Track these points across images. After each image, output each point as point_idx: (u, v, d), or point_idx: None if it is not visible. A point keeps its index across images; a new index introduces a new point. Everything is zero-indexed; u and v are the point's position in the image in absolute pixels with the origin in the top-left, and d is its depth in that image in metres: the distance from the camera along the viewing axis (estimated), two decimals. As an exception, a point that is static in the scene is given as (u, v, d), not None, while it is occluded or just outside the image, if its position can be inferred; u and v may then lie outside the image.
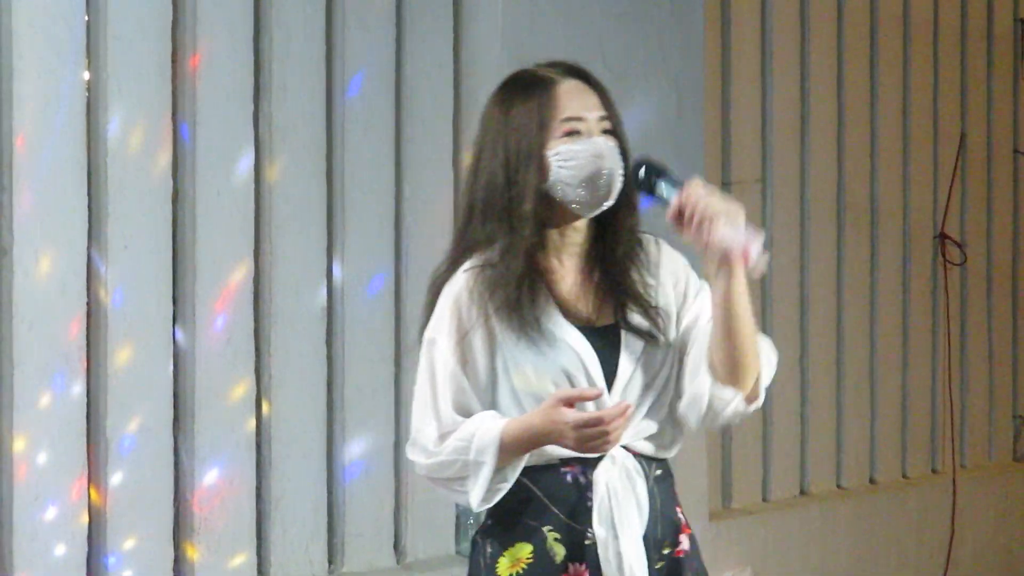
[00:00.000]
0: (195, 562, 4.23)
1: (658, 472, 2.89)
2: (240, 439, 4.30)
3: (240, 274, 4.30)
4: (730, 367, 2.81)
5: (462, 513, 4.74)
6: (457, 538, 4.76)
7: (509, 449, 2.76)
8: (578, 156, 2.79)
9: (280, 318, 4.39)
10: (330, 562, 4.55)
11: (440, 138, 4.71)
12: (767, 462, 5.95)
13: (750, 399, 2.87)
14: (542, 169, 2.80)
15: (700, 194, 2.75)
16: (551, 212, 2.83)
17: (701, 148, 5.29)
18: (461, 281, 2.82)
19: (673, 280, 2.91)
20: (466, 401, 2.81)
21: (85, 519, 4.03)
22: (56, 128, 3.97)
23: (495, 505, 2.84)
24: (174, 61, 4.19)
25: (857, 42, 6.29)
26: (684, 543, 2.91)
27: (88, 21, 4.05)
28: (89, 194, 4.04)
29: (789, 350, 5.99)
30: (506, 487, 2.78)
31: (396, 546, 4.67)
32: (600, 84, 2.88)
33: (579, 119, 2.82)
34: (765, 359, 2.89)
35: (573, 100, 2.82)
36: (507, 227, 2.80)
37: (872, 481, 6.41)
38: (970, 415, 6.87)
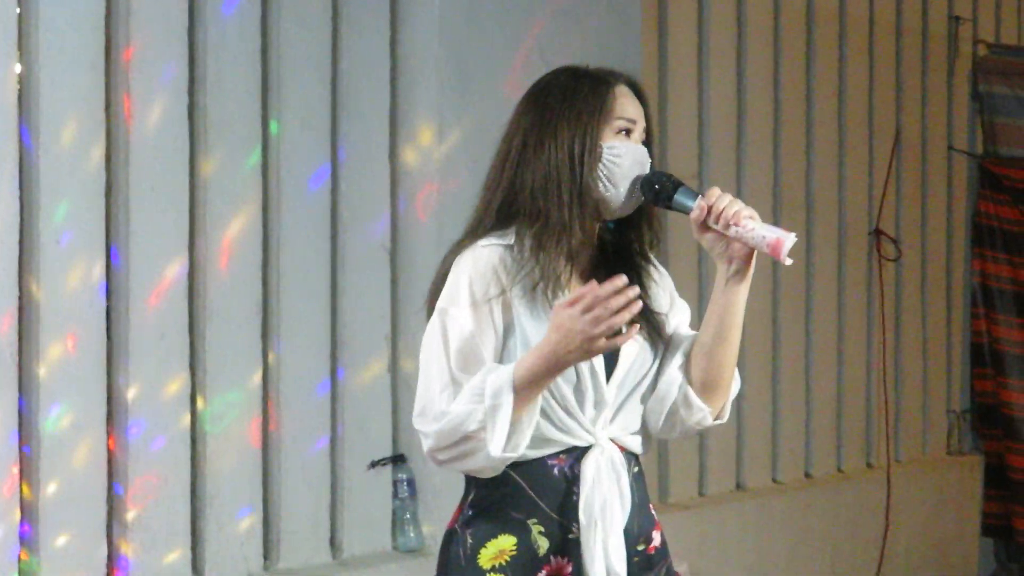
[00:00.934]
0: (129, 559, 4.20)
1: (636, 469, 2.93)
2: (174, 435, 4.28)
3: (174, 269, 4.28)
4: (708, 379, 2.91)
5: (399, 508, 4.74)
6: (394, 533, 4.75)
7: (523, 385, 2.73)
8: (626, 156, 2.87)
9: (215, 313, 4.37)
10: (266, 559, 4.53)
11: (376, 134, 4.70)
12: (703, 457, 5.98)
13: (717, 417, 2.96)
14: (598, 159, 2.87)
15: (727, 196, 2.84)
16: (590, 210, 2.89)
17: (638, 144, 5.29)
18: (481, 255, 2.84)
19: (663, 285, 3.01)
20: (477, 371, 2.79)
21: (17, 516, 4.00)
22: (-13, 121, 3.93)
23: (478, 496, 2.85)
24: (107, 54, 4.16)
25: (793, 38, 6.32)
26: (656, 539, 2.95)
27: (20, 13, 4.02)
28: (21, 187, 4.01)
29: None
30: (527, 433, 2.76)
31: (332, 542, 4.66)
32: (647, 99, 2.97)
33: (632, 121, 2.91)
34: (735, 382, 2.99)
35: (630, 104, 2.92)
36: (565, 210, 2.83)
37: (807, 476, 6.45)
38: (904, 410, 6.92)
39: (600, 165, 2.86)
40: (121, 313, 4.20)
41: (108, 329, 4.18)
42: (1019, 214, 7.18)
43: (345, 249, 4.64)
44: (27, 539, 4.05)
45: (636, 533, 2.90)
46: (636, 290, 2.70)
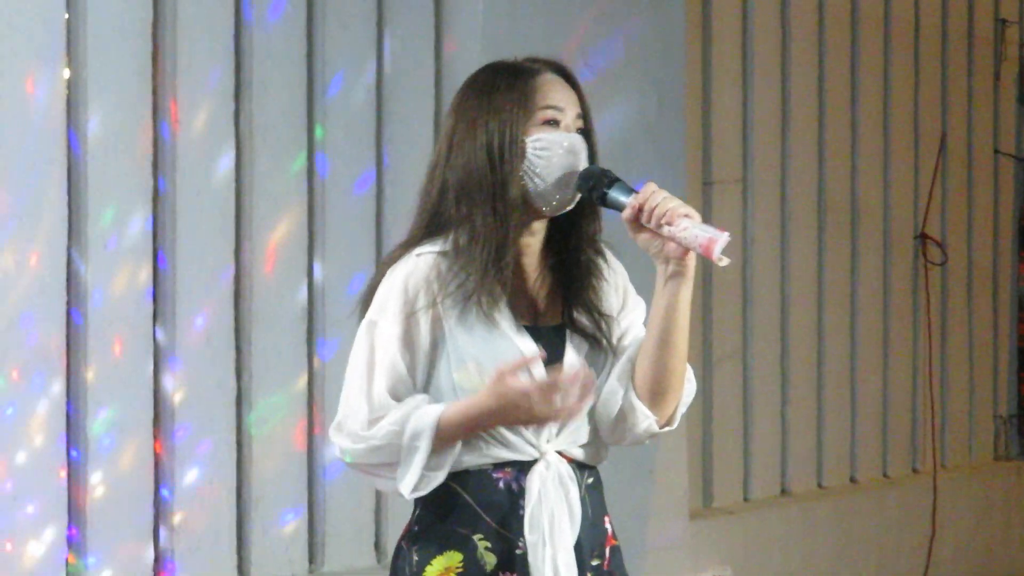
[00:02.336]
0: (175, 562, 4.22)
1: (590, 480, 2.82)
2: (220, 438, 4.30)
3: (221, 273, 4.30)
4: (654, 384, 2.77)
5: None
6: (438, 538, 4.75)
7: (447, 434, 2.67)
8: (553, 145, 2.74)
9: (261, 317, 4.39)
10: (310, 561, 4.54)
11: (420, 138, 4.71)
12: (748, 461, 5.96)
13: (664, 424, 2.82)
14: (522, 154, 2.74)
15: (660, 194, 2.70)
16: (519, 210, 2.76)
17: (682, 148, 5.29)
18: (412, 265, 2.74)
19: (615, 287, 2.86)
20: (402, 389, 2.72)
21: (65, 519, 4.02)
22: (36, 127, 3.96)
23: (424, 511, 2.78)
24: (154, 60, 4.19)
25: (838, 43, 6.30)
26: (607, 555, 2.84)
27: (68, 20, 4.04)
28: (69, 193, 4.04)
29: (770, 350, 6.00)
30: (440, 476, 2.70)
31: (376, 545, 4.67)
32: (579, 84, 2.83)
33: (559, 109, 2.76)
34: (687, 387, 2.85)
35: (555, 91, 2.77)
36: (488, 211, 2.72)
37: (853, 480, 6.43)
38: (950, 415, 6.88)
39: (525, 161, 2.73)
40: (168, 317, 4.22)
41: (155, 333, 4.21)
42: (1066, 218, 7.14)
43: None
44: (74, 542, 4.07)
45: (589, 547, 2.80)
46: (592, 377, 2.66)
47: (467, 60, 4.74)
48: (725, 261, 2.67)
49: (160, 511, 4.22)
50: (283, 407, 4.43)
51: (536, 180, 2.74)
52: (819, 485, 6.27)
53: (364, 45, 4.60)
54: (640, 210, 2.70)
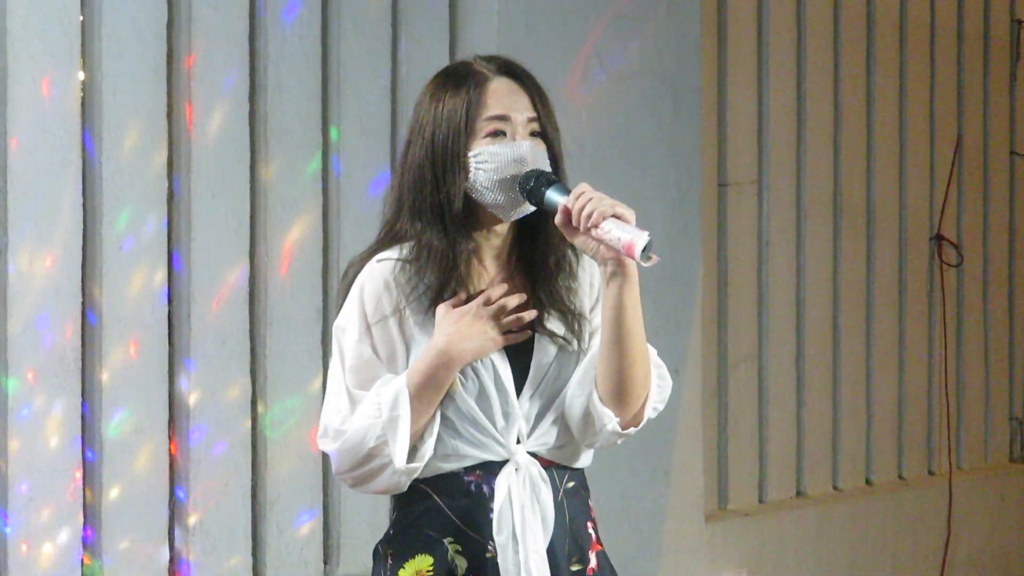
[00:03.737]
0: (190, 564, 4.23)
1: (570, 484, 2.79)
2: (235, 440, 4.30)
3: (235, 275, 4.30)
4: (613, 385, 2.73)
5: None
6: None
7: (418, 390, 2.66)
8: (496, 158, 2.72)
9: (276, 319, 4.39)
10: (325, 563, 4.55)
11: (436, 139, 4.71)
12: (763, 463, 5.95)
13: (628, 424, 2.78)
14: (464, 170, 2.72)
15: (588, 195, 2.67)
16: (475, 214, 2.76)
17: (697, 149, 5.29)
18: (376, 270, 2.74)
19: (589, 282, 2.84)
20: (375, 384, 2.71)
21: (80, 521, 4.03)
22: (51, 129, 3.97)
23: (399, 515, 2.77)
24: (169, 61, 4.19)
25: (853, 43, 6.29)
26: (593, 560, 2.81)
27: (83, 22, 4.05)
28: (84, 195, 4.04)
29: (785, 351, 5.99)
30: (430, 443, 2.68)
31: (391, 547, 4.67)
32: (535, 83, 2.78)
33: (504, 118, 2.73)
34: (657, 385, 2.80)
35: (501, 99, 2.74)
36: (438, 228, 2.72)
37: (868, 483, 6.41)
38: (966, 417, 6.87)
39: (470, 176, 2.71)
40: (183, 319, 4.22)
41: (170, 335, 4.21)
42: (1082, 219, 7.12)
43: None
44: (90, 544, 4.08)
45: (568, 552, 2.77)
46: (523, 297, 2.69)
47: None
48: (653, 260, 2.64)
49: (175, 512, 4.23)
50: (298, 409, 4.43)
51: (483, 193, 2.73)
52: (834, 487, 6.26)
53: (379, 47, 4.60)
54: (570, 213, 2.68)
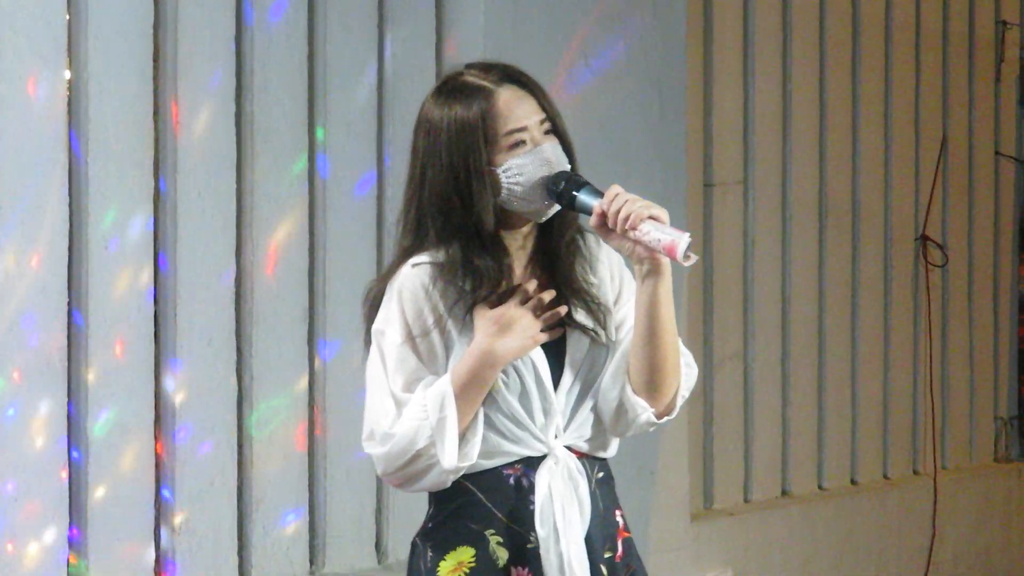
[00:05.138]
0: (176, 563, 4.22)
1: (600, 474, 2.86)
2: (221, 440, 4.30)
3: (222, 275, 4.30)
4: (647, 377, 2.80)
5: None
6: (439, 539, 4.76)
7: (463, 390, 2.70)
8: (525, 169, 2.76)
9: (262, 319, 4.39)
10: (311, 563, 4.55)
11: (422, 139, 4.71)
12: (749, 463, 5.96)
13: (663, 414, 2.85)
14: (495, 186, 2.77)
15: (623, 197, 2.73)
16: (501, 219, 2.80)
17: (683, 150, 5.30)
18: (411, 275, 2.78)
19: (609, 274, 2.89)
20: (418, 387, 2.76)
21: (66, 520, 4.03)
22: (37, 128, 3.96)
23: (437, 509, 2.82)
24: (155, 61, 4.19)
25: (839, 44, 6.30)
26: (620, 547, 2.88)
27: (69, 21, 4.05)
28: (70, 194, 4.04)
29: (770, 351, 6.01)
30: (477, 442, 2.73)
31: (377, 546, 4.67)
32: (535, 84, 2.83)
33: (523, 129, 2.77)
34: (684, 373, 2.87)
35: (514, 110, 2.77)
36: (476, 247, 2.76)
37: (853, 482, 6.43)
38: (951, 417, 6.89)
39: (502, 190, 2.76)
40: (169, 318, 4.22)
41: (156, 334, 4.21)
42: (1067, 220, 7.15)
43: (391, 255, 4.65)
44: (75, 543, 4.08)
45: (600, 540, 2.83)
46: (553, 293, 2.73)
47: (469, 61, 4.73)
48: (692, 260, 2.69)
49: (161, 512, 4.23)
50: (284, 408, 4.43)
51: (521, 204, 2.78)
52: (820, 487, 6.27)
53: (365, 46, 4.60)
54: (605, 215, 2.73)
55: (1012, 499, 7.11)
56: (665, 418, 2.86)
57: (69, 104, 4.05)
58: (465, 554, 2.78)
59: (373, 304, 2.83)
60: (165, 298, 4.23)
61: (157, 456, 4.21)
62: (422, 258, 2.79)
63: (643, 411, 2.81)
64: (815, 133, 6.21)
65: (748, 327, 5.90)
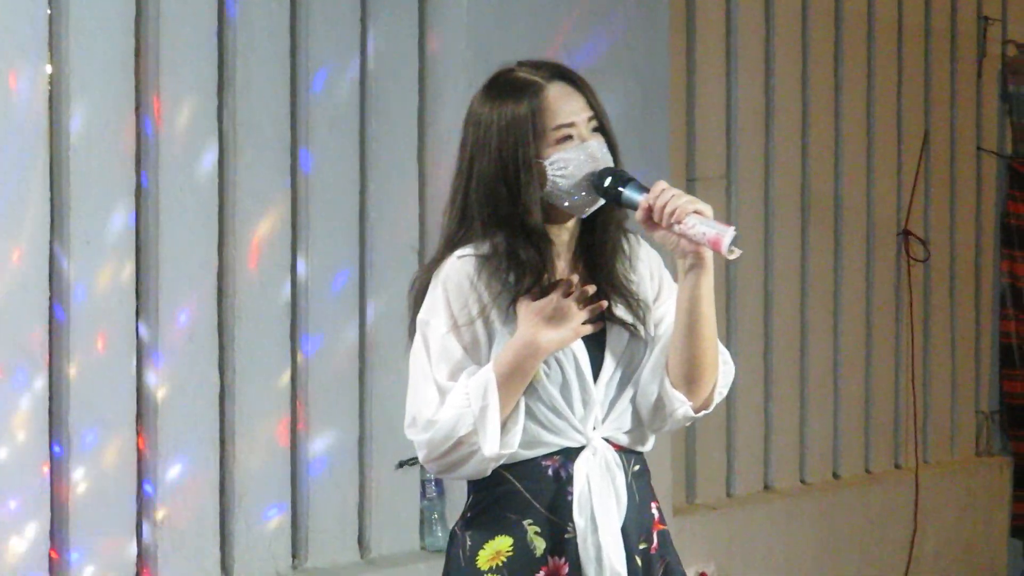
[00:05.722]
0: (158, 558, 4.22)
1: (636, 467, 2.92)
2: (203, 435, 4.30)
3: (204, 269, 4.30)
4: (687, 372, 2.86)
5: (426, 508, 4.75)
6: (422, 533, 4.77)
7: (505, 379, 2.76)
8: (571, 163, 2.83)
9: (244, 313, 4.39)
10: (294, 557, 4.55)
11: (405, 134, 4.71)
12: (731, 457, 5.97)
13: (700, 408, 2.92)
14: (541, 178, 2.83)
15: (669, 192, 2.80)
16: (546, 214, 2.87)
17: (666, 144, 5.30)
18: (457, 266, 2.84)
19: (649, 273, 2.96)
20: (461, 376, 2.81)
21: (47, 515, 4.02)
22: (18, 123, 3.95)
23: (476, 498, 2.87)
24: (137, 55, 4.18)
25: (822, 40, 6.31)
26: (655, 539, 2.94)
27: (50, 15, 4.04)
28: (52, 189, 4.03)
29: (753, 346, 6.01)
30: (517, 431, 2.78)
31: (360, 541, 4.67)
32: (584, 83, 2.91)
33: (571, 124, 2.85)
34: (722, 370, 2.94)
35: (564, 106, 2.85)
36: (521, 238, 2.82)
37: (835, 476, 6.44)
38: (933, 411, 6.90)
39: (548, 183, 2.83)
40: (151, 313, 4.22)
41: (138, 329, 4.20)
42: (1048, 215, 7.16)
43: (373, 250, 4.66)
44: (57, 538, 4.07)
45: (636, 532, 2.89)
46: (595, 287, 2.79)
47: (451, 57, 4.74)
48: (736, 254, 2.79)
49: (143, 507, 4.22)
50: (267, 403, 4.43)
51: (564, 197, 2.85)
52: (802, 481, 6.28)
53: (348, 41, 4.59)
54: (651, 210, 2.79)
55: (993, 493, 7.13)
56: (702, 412, 2.93)
57: (50, 99, 4.04)
58: (503, 543, 2.83)
59: (418, 294, 2.88)
60: (147, 293, 4.22)
61: (139, 451, 4.21)
62: (467, 250, 2.85)
63: (681, 405, 2.88)
64: (798, 128, 6.21)
65: (730, 322, 5.91)
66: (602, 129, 2.89)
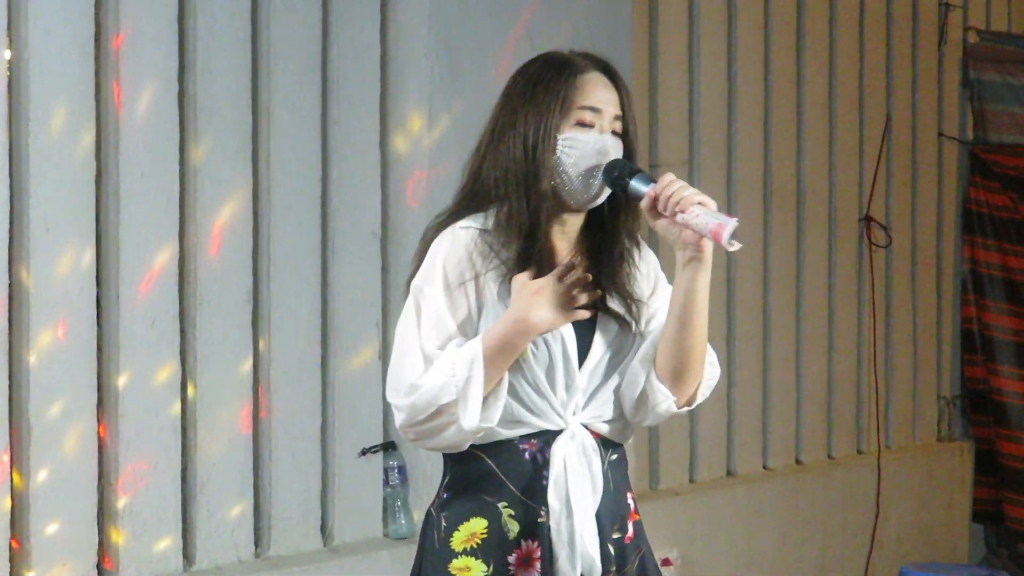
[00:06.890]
0: (119, 547, 4.20)
1: (614, 456, 2.95)
2: (165, 423, 4.28)
3: (165, 256, 4.27)
4: (675, 366, 2.90)
5: (389, 495, 4.74)
6: (385, 520, 4.76)
7: (493, 353, 2.77)
8: (582, 146, 2.87)
9: (205, 300, 4.36)
10: (256, 545, 4.53)
11: (366, 120, 4.69)
12: (694, 443, 5.98)
13: (683, 405, 2.96)
14: (553, 148, 2.87)
15: (676, 183, 2.83)
16: (552, 204, 2.90)
17: (628, 130, 5.29)
18: (458, 236, 2.87)
19: (646, 275, 3.01)
20: (449, 345, 2.83)
21: (8, 503, 4.00)
22: (-24, 108, 3.92)
23: (452, 480, 2.89)
24: (97, 40, 4.15)
25: (783, 25, 6.32)
26: (631, 529, 2.96)
27: (9, 1, 4.00)
28: (11, 175, 4.00)
29: (716, 332, 6.02)
30: (499, 406, 2.79)
31: (323, 529, 4.66)
32: (625, 86, 2.96)
33: (595, 110, 2.90)
34: (708, 371, 2.98)
35: (595, 91, 2.91)
36: (522, 197, 2.86)
37: (798, 462, 6.46)
38: (895, 397, 6.93)
39: (554, 157, 2.87)
40: (111, 300, 4.19)
41: (98, 316, 4.18)
42: (1009, 201, 7.19)
43: (335, 236, 4.64)
44: (18, 527, 4.04)
45: (610, 520, 2.92)
46: (589, 276, 2.80)
47: (414, 42, 4.72)
48: (735, 246, 2.80)
49: (104, 495, 4.20)
50: (228, 391, 4.41)
51: (563, 176, 2.88)
52: (764, 467, 6.30)
53: (309, 26, 4.57)
54: (657, 199, 2.83)
55: (955, 478, 7.17)
56: (684, 409, 2.96)
57: (9, 84, 4.01)
58: (478, 525, 2.86)
59: (420, 254, 2.91)
60: (107, 280, 4.20)
61: (100, 439, 4.18)
62: (470, 222, 2.88)
63: (665, 399, 2.91)
64: (760, 114, 6.22)
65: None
66: (626, 135, 2.93)
